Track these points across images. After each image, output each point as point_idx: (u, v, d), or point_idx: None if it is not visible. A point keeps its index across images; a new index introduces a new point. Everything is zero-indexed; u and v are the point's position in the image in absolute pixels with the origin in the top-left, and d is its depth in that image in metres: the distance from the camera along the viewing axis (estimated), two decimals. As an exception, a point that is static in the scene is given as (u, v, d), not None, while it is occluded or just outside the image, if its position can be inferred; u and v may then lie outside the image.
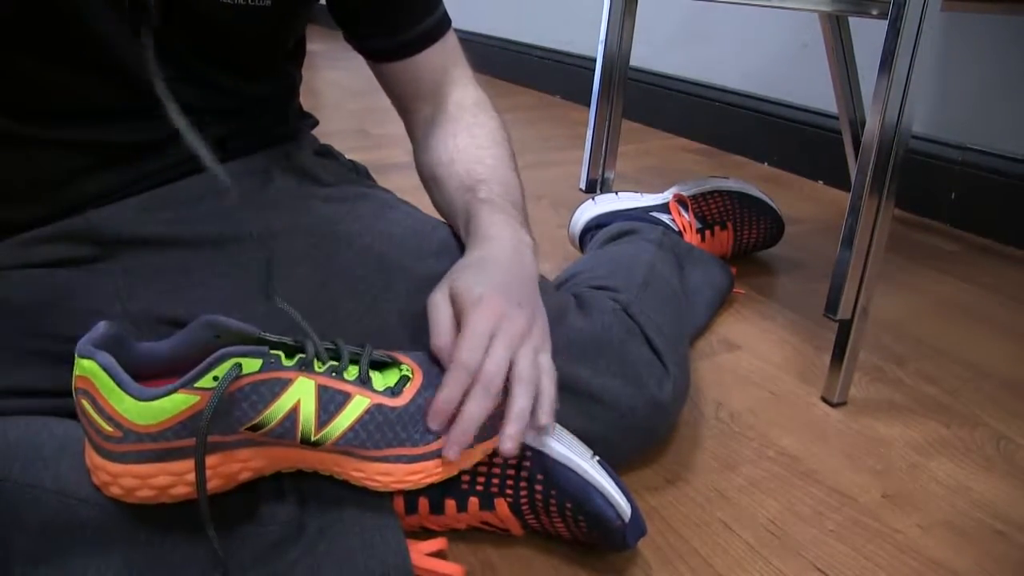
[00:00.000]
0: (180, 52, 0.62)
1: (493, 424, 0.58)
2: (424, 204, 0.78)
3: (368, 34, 0.75)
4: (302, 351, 0.54)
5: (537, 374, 0.57)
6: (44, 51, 0.58)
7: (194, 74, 0.64)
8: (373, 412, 0.54)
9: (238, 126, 0.70)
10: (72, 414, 0.53)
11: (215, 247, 0.65)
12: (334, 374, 0.54)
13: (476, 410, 0.55)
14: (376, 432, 0.54)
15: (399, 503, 0.61)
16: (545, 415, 0.57)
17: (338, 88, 2.60)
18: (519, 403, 0.56)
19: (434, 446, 0.56)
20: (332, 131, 0.79)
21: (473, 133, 0.74)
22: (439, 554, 0.60)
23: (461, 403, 0.55)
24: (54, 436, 0.54)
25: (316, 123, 0.84)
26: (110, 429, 0.50)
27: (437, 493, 0.61)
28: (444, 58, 0.77)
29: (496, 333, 0.56)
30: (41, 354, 0.59)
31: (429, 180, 0.76)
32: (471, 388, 0.55)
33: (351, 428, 0.54)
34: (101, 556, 0.51)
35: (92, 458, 0.52)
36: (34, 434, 0.54)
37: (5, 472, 0.51)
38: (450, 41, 0.77)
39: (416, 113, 0.79)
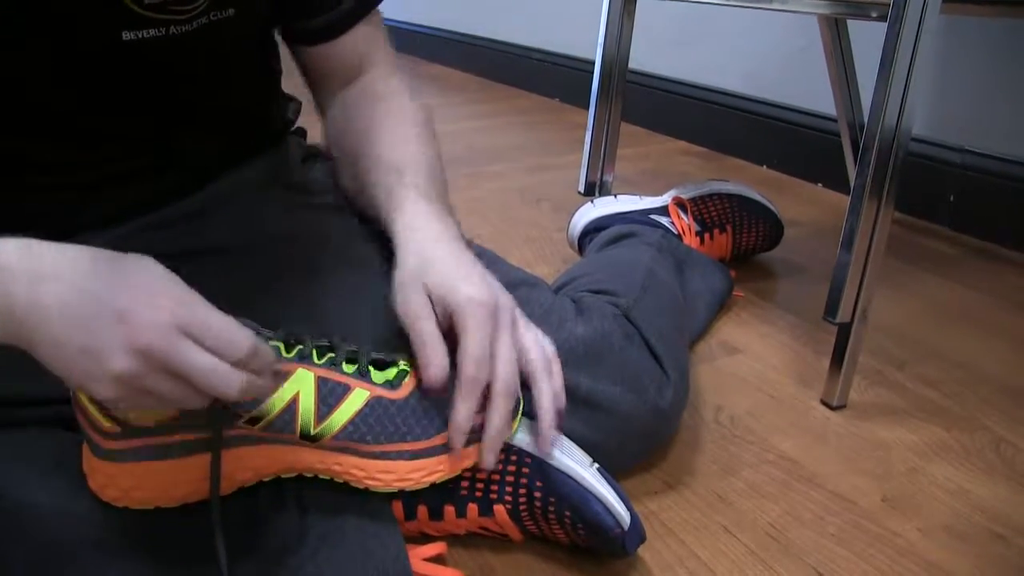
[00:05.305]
0: (154, 73, 0.62)
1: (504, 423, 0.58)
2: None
3: (289, 19, 0.72)
4: (300, 345, 0.55)
5: (546, 356, 0.59)
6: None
7: (169, 91, 0.64)
8: (373, 404, 0.54)
9: (222, 133, 0.70)
10: (67, 424, 0.53)
11: (207, 255, 0.65)
12: (333, 366, 0.54)
13: (500, 421, 0.56)
14: (376, 425, 0.54)
15: (398, 509, 0.61)
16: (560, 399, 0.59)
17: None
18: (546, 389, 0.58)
19: (435, 441, 0.56)
20: (316, 123, 0.80)
21: (398, 109, 0.72)
22: (438, 559, 0.60)
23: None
24: (49, 451, 0.54)
25: (300, 105, 0.84)
26: (108, 425, 0.50)
27: (436, 499, 0.60)
28: (367, 37, 0.74)
29: (495, 333, 0.56)
30: (35, 362, 0.59)
31: (347, 154, 0.73)
32: (491, 399, 0.56)
33: (351, 421, 0.54)
34: (101, 571, 0.51)
35: (89, 460, 0.52)
36: (28, 449, 0.54)
37: (1, 489, 0.51)
38: (374, 21, 0.74)
39: (331, 88, 0.76)
